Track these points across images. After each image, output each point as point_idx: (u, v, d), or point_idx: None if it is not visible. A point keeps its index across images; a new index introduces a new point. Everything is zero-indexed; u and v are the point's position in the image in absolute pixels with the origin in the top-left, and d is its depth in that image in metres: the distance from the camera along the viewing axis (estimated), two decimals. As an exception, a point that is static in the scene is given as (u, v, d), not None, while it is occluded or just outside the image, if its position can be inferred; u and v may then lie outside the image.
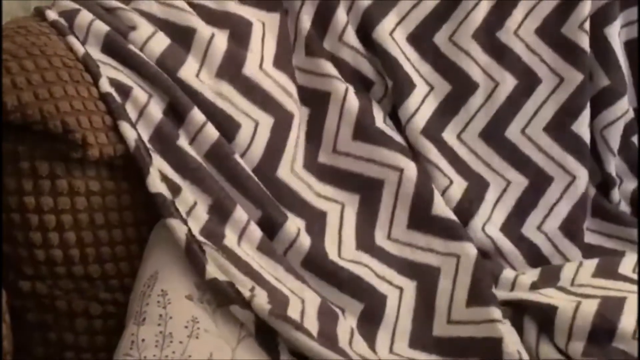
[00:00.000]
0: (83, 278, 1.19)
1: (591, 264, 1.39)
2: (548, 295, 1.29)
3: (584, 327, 1.22)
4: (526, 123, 1.47)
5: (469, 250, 1.33)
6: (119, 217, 1.21)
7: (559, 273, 1.38)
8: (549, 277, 1.38)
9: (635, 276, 1.36)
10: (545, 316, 1.25)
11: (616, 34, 1.49)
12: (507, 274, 1.37)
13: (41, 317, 1.19)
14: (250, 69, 1.34)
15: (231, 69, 1.33)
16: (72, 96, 1.17)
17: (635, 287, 1.31)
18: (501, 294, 1.33)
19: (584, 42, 1.47)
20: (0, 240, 1.13)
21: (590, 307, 1.23)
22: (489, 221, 1.44)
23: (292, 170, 1.36)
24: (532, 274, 1.39)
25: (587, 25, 1.46)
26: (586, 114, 1.47)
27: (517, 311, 1.28)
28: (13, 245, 1.16)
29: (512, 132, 1.47)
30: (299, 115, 1.39)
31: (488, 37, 1.47)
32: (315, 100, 1.41)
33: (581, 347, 1.21)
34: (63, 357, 1.20)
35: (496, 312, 1.26)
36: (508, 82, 1.47)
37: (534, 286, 1.34)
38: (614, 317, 1.22)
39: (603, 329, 1.21)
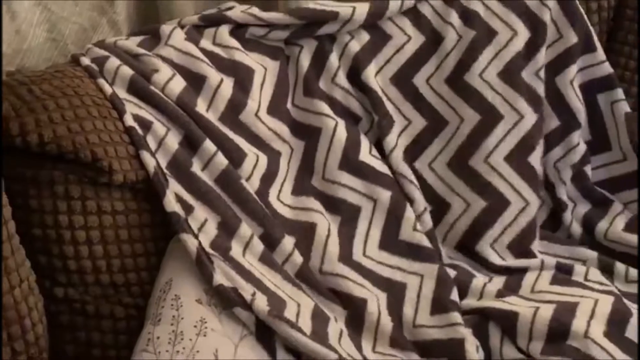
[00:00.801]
0: (109, 285, 1.21)
1: (548, 274, 1.41)
2: (510, 303, 1.31)
3: (542, 329, 1.24)
4: (488, 153, 1.47)
5: (432, 270, 1.35)
6: (140, 232, 1.23)
7: (521, 281, 1.40)
8: (512, 285, 1.39)
9: (587, 283, 1.38)
10: (508, 322, 1.27)
11: (568, 81, 1.51)
12: (476, 282, 1.38)
13: (72, 319, 1.20)
14: (247, 115, 1.36)
15: (232, 115, 1.35)
16: (100, 130, 1.20)
17: (588, 292, 1.33)
18: (469, 302, 1.35)
19: (540, 87, 1.49)
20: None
21: (547, 312, 1.26)
22: (445, 240, 1.47)
23: (278, 198, 1.37)
24: (497, 282, 1.40)
25: (542, 73, 1.49)
26: (539, 149, 1.49)
27: (482, 318, 1.30)
28: (49, 257, 1.18)
29: (476, 161, 1.47)
30: (289, 151, 1.41)
31: (458, 80, 1.48)
32: (309, 134, 1.42)
33: (540, 346, 1.23)
34: (91, 354, 1.21)
35: (457, 317, 1.28)
36: (473, 119, 1.48)
37: (500, 294, 1.36)
38: (568, 320, 1.24)
39: (558, 330, 1.23)
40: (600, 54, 1.53)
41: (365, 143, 1.44)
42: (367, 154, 1.42)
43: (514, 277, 1.41)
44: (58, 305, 1.20)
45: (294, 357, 1.17)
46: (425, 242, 1.38)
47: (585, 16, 1.51)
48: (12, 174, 1.17)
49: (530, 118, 1.48)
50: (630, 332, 1.25)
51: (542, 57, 1.49)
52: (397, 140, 1.46)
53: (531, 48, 1.49)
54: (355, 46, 1.46)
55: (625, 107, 1.53)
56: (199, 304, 1.14)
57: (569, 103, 1.52)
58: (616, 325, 1.26)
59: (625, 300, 1.31)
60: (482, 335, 1.28)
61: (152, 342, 1.09)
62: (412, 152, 1.48)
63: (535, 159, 1.49)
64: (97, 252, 1.20)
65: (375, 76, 1.46)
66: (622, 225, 1.51)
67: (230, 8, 1.46)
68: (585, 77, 1.54)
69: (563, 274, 1.40)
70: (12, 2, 1.30)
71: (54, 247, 1.18)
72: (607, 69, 1.53)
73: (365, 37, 1.47)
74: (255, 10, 1.45)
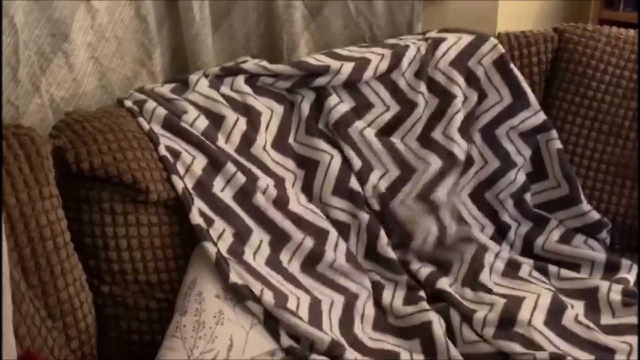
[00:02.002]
0: (145, 283, 1.20)
1: (498, 273, 1.41)
2: (469, 300, 1.32)
3: (494, 317, 1.24)
4: (449, 189, 1.48)
5: (403, 278, 1.37)
6: (170, 241, 1.22)
7: (479, 275, 1.40)
8: (473, 275, 1.40)
9: (531, 279, 1.38)
10: (466, 311, 1.28)
11: (505, 132, 1.53)
12: (441, 282, 1.37)
13: (116, 310, 1.20)
14: (256, 148, 1.36)
15: (245, 148, 1.35)
16: (139, 158, 1.21)
17: (533, 288, 1.33)
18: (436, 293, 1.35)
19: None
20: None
21: (498, 305, 1.26)
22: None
23: (299, 204, 1.36)
24: (461, 276, 1.41)
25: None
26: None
27: (445, 306, 1.30)
28: (97, 260, 1.18)
29: (438, 196, 1.47)
30: (293, 178, 1.40)
31: (425, 137, 1.49)
32: (309, 166, 1.41)
33: (492, 331, 1.22)
34: (130, 339, 1.20)
35: (425, 305, 1.29)
36: (436, 164, 1.48)
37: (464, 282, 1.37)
38: (515, 311, 1.25)
39: (507, 319, 1.23)
40: (535, 107, 1.53)
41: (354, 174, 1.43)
42: (355, 182, 1.42)
43: (474, 273, 1.41)
44: (104, 299, 1.20)
45: (295, 341, 1.16)
46: (394, 256, 1.39)
47: (521, 81, 1.52)
48: (68, 193, 1.17)
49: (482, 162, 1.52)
50: (565, 321, 1.25)
51: (488, 116, 1.52)
52: (377, 181, 1.46)
53: (478, 109, 1.52)
54: (344, 107, 1.46)
55: (557, 145, 1.54)
56: (217, 298, 1.14)
57: (506, 148, 1.53)
58: (554, 315, 1.26)
59: (561, 295, 1.32)
60: (445, 319, 1.27)
61: (179, 329, 1.09)
62: (389, 195, 1.47)
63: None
64: (136, 256, 1.19)
65: (360, 132, 1.46)
66: (557, 238, 1.51)
67: (245, 61, 1.47)
68: (526, 125, 1.53)
69: (511, 271, 1.41)
70: (70, 56, 1.30)
71: (101, 253, 1.18)
72: (541, 116, 1.54)
73: (351, 103, 1.47)
74: (265, 63, 1.45)
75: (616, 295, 1.32)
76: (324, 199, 1.40)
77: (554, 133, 1.53)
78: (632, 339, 1.21)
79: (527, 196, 1.55)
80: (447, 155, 1.48)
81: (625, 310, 1.30)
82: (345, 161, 1.43)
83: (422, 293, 1.33)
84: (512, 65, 1.52)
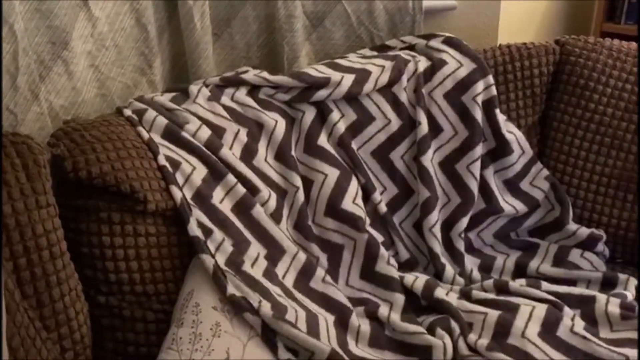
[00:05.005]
0: (142, 294, 1.18)
1: (490, 289, 1.39)
2: (467, 311, 1.30)
3: (489, 329, 1.22)
4: (433, 225, 1.47)
5: (399, 298, 1.33)
6: (168, 251, 1.20)
7: (470, 292, 1.37)
8: (467, 293, 1.38)
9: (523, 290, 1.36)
10: (464, 325, 1.26)
11: (491, 174, 1.53)
12: (439, 291, 1.35)
13: (112, 321, 1.18)
14: (258, 160, 1.35)
15: (246, 160, 1.33)
16: (137, 167, 1.19)
17: (527, 301, 1.30)
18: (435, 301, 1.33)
19: (470, 180, 1.50)
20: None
21: (493, 316, 1.25)
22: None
23: (286, 228, 1.35)
24: (456, 289, 1.39)
25: (473, 168, 1.50)
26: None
27: (446, 317, 1.28)
28: (94, 270, 1.16)
29: (429, 223, 1.46)
30: (295, 189, 1.37)
31: (417, 160, 1.47)
32: (306, 184, 1.39)
33: (486, 343, 1.20)
34: (126, 350, 1.18)
35: (421, 329, 1.25)
36: (425, 193, 1.46)
37: (462, 293, 1.36)
38: (509, 322, 1.23)
39: (501, 331, 1.22)
40: (514, 156, 1.53)
41: (352, 191, 1.40)
42: (349, 203, 1.39)
43: (467, 289, 1.39)
44: (100, 310, 1.18)
45: (293, 354, 1.14)
46: (395, 274, 1.36)
47: (502, 128, 1.50)
48: (65, 202, 1.16)
49: (455, 200, 1.49)
50: (560, 332, 1.23)
51: (476, 154, 1.49)
52: (379, 201, 1.46)
53: (466, 146, 1.49)
54: (345, 122, 1.45)
55: (545, 173, 1.55)
56: (214, 310, 1.12)
57: (494, 192, 1.52)
58: (549, 326, 1.23)
59: (556, 304, 1.30)
60: (447, 330, 1.25)
61: (175, 341, 1.07)
62: (390, 210, 1.48)
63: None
64: (133, 267, 1.17)
65: (358, 149, 1.46)
66: (552, 258, 1.49)
67: (245, 71, 1.44)
68: (510, 172, 1.54)
69: (501, 285, 1.39)
70: (70, 64, 1.28)
71: (98, 263, 1.16)
72: (523, 160, 1.54)
73: (352, 116, 1.46)
74: (265, 73, 1.43)
75: (615, 308, 1.29)
76: (318, 220, 1.38)
77: (539, 165, 1.54)
78: (631, 352, 1.18)
79: (512, 234, 1.55)
80: (435, 186, 1.47)
81: (623, 324, 1.27)
82: (340, 181, 1.40)
83: (419, 318, 1.29)
84: (497, 111, 1.50)
